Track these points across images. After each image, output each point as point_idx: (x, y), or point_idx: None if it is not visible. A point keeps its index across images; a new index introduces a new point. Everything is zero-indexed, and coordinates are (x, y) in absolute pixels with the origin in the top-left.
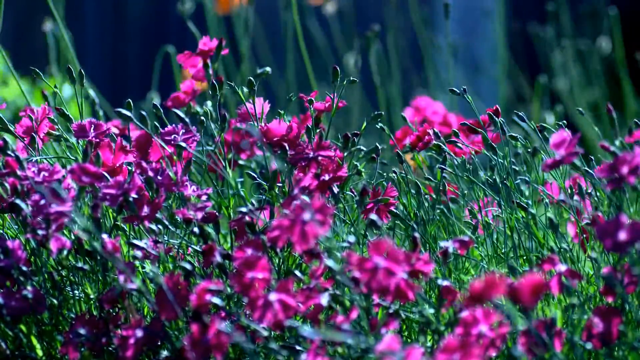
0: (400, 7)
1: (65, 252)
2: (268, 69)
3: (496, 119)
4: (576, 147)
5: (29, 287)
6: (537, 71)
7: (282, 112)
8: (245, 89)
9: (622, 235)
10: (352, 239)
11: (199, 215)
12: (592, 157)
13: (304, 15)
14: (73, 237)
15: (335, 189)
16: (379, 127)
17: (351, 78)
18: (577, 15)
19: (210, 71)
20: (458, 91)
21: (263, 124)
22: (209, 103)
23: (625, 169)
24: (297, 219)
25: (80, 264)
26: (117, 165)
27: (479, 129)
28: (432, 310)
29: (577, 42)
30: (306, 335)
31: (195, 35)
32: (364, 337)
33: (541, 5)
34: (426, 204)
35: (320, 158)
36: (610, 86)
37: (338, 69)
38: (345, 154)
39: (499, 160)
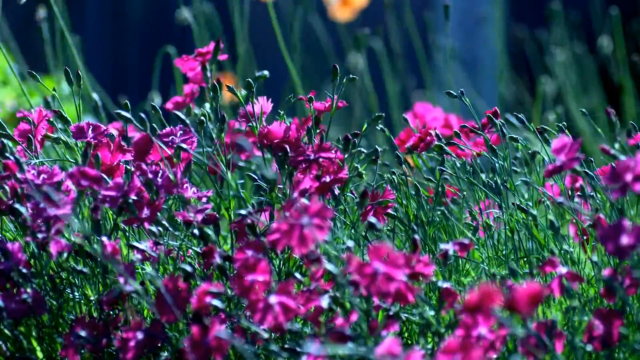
0: (402, 8)
1: (65, 255)
2: (266, 72)
3: (496, 120)
4: (577, 152)
5: (29, 290)
6: (536, 74)
7: (281, 113)
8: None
9: (625, 240)
10: (351, 243)
11: (199, 217)
12: (592, 159)
13: (308, 14)
14: (73, 239)
15: (336, 191)
16: (379, 128)
17: (351, 76)
18: (575, 18)
19: (209, 74)
20: (455, 94)
21: (263, 125)
22: (208, 105)
23: (629, 176)
24: (296, 223)
25: (80, 267)
26: (115, 163)
27: (479, 131)
28: (432, 312)
29: (573, 45)
30: (311, 352)
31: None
32: (364, 340)
33: (539, 8)
34: (426, 206)
35: (321, 160)
36: (607, 90)
37: (337, 67)
38: (346, 155)
39: (499, 162)
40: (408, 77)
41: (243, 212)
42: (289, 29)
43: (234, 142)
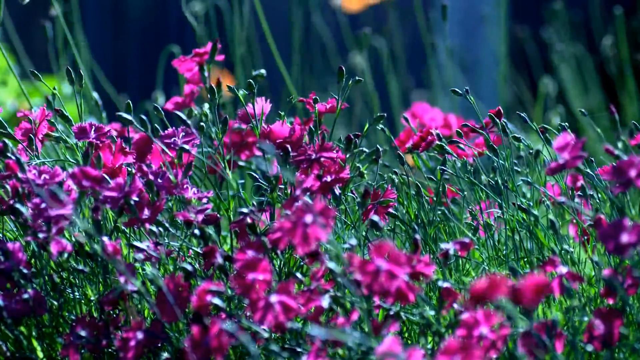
0: (404, 8)
1: (65, 255)
2: (263, 71)
3: (498, 120)
4: (581, 150)
5: (29, 290)
6: (536, 74)
7: (282, 113)
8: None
9: (625, 238)
10: (354, 241)
11: (200, 217)
12: (593, 159)
13: (309, 14)
14: (74, 239)
15: (337, 191)
16: (379, 128)
17: (357, 78)
18: (575, 18)
19: (206, 74)
20: (460, 92)
21: (265, 126)
22: (207, 105)
23: (633, 172)
24: (299, 221)
25: (80, 266)
26: (117, 166)
27: (481, 131)
28: (432, 312)
29: (574, 45)
30: (313, 334)
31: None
32: (365, 338)
33: (540, 8)
34: (427, 206)
35: (322, 159)
36: (607, 89)
37: (344, 69)
38: (347, 155)
39: (500, 161)
40: (409, 77)
41: (244, 210)
42: (290, 29)
43: (233, 142)
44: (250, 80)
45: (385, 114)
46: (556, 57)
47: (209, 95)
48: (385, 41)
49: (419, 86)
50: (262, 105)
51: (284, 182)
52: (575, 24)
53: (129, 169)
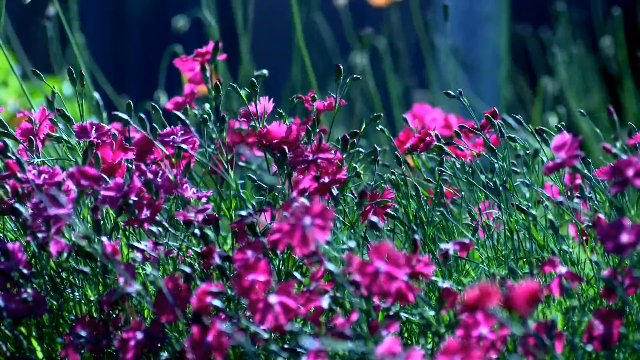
0: (405, 8)
1: (65, 255)
2: (265, 71)
3: (494, 121)
4: (577, 149)
5: (29, 290)
6: (538, 73)
7: (281, 111)
8: (244, 91)
9: (624, 237)
10: (352, 243)
11: (200, 217)
12: (590, 160)
13: (311, 12)
14: (73, 239)
15: (335, 192)
16: (379, 128)
17: (354, 75)
18: (577, 17)
19: (208, 74)
20: (453, 94)
21: (262, 126)
22: (208, 105)
23: (630, 172)
24: (297, 223)
25: (80, 266)
26: (116, 162)
27: (478, 131)
28: (432, 312)
29: (576, 45)
30: (307, 347)
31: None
32: (364, 340)
33: (542, 7)
34: (426, 206)
35: (319, 160)
36: (608, 90)
37: (341, 67)
38: (345, 155)
39: (499, 162)
40: (410, 77)
41: (243, 213)
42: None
43: (234, 142)
44: (253, 79)
45: (386, 114)
46: (557, 56)
47: (212, 95)
48: (388, 41)
49: (421, 86)
50: (264, 104)
51: (282, 182)
52: (577, 23)
53: (129, 166)
